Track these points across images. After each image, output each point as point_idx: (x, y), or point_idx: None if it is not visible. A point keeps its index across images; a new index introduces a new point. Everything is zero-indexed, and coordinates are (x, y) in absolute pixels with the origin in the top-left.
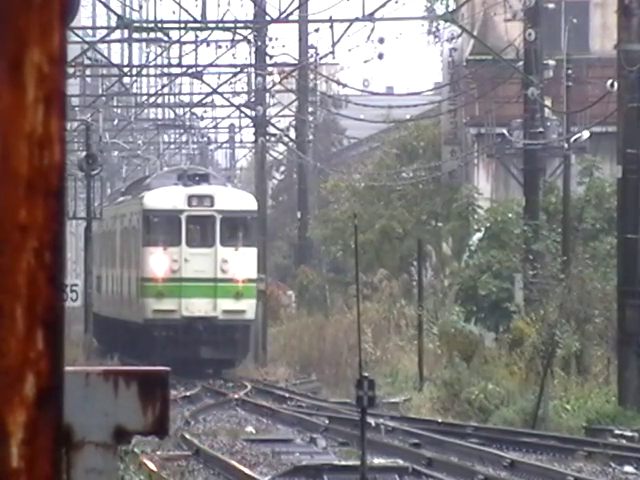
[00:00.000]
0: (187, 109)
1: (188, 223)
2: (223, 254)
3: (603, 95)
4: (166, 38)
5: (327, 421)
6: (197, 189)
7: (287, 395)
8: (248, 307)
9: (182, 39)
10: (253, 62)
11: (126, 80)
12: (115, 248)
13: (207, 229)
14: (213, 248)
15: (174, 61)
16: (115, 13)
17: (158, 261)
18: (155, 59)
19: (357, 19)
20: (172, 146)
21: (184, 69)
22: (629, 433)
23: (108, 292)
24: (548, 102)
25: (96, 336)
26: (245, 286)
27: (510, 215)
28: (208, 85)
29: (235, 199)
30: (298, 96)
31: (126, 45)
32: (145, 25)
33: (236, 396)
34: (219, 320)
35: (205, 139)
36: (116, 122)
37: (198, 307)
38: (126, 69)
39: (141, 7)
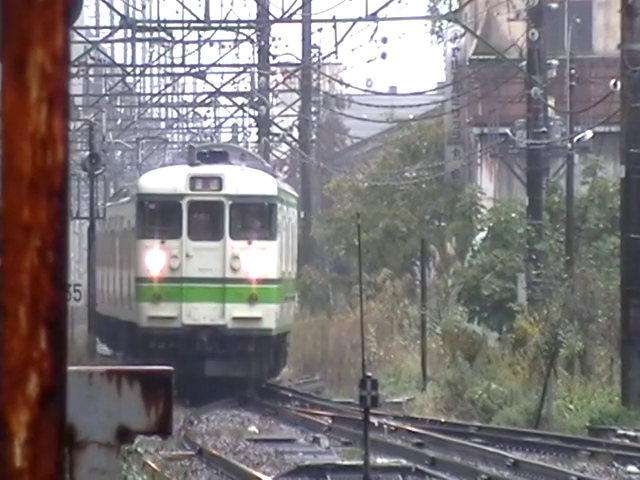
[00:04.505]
0: (190, 109)
1: (191, 210)
2: (233, 249)
3: (606, 95)
4: (169, 38)
5: (330, 421)
6: (203, 169)
7: (290, 395)
8: (265, 314)
9: (185, 39)
10: (256, 62)
11: (129, 80)
12: None
13: (214, 218)
14: (221, 241)
15: (177, 61)
16: (118, 13)
17: (154, 257)
18: (158, 59)
19: (360, 19)
20: (175, 145)
21: (187, 69)
22: (632, 433)
23: None
24: (551, 102)
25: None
26: (261, 288)
27: (513, 215)
28: (211, 85)
29: (249, 181)
30: (301, 96)
31: (129, 45)
32: (148, 25)
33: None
34: (228, 329)
35: (208, 139)
36: (119, 122)
37: (202, 313)
38: (129, 69)
39: (144, 7)
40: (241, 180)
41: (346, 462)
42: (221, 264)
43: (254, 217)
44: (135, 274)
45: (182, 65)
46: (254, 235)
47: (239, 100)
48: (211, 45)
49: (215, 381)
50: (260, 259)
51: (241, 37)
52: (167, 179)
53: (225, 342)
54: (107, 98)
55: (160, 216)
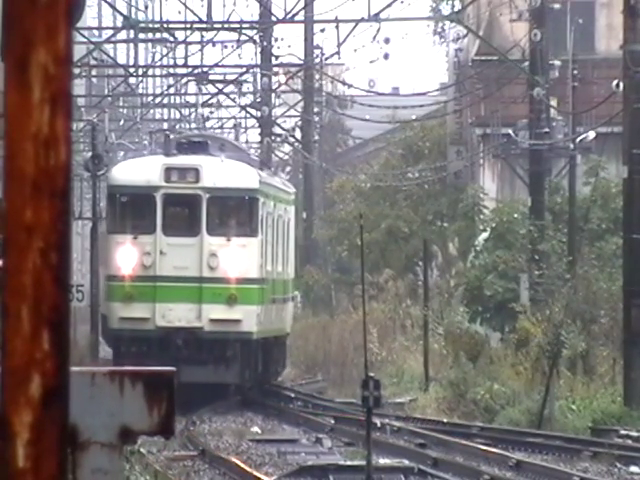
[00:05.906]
0: (193, 109)
1: (165, 204)
2: (211, 245)
3: (609, 95)
4: (172, 38)
5: (333, 421)
6: (179, 159)
7: (293, 395)
8: (245, 316)
9: (188, 39)
10: (259, 62)
11: (132, 80)
12: None
13: (190, 212)
14: (198, 237)
15: (180, 61)
16: (121, 13)
17: (125, 254)
18: (161, 59)
19: (363, 19)
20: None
21: (190, 69)
22: (635, 433)
23: None
24: (554, 102)
25: None
26: (241, 288)
27: (516, 215)
28: (214, 85)
29: (229, 173)
30: (304, 96)
31: (132, 45)
32: (151, 25)
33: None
34: (205, 332)
35: None
36: (122, 122)
37: (177, 315)
38: (132, 69)
39: (147, 7)
40: (220, 172)
41: (349, 462)
42: (198, 262)
43: (233, 212)
44: (105, 272)
45: (185, 66)
46: (233, 231)
47: (241, 101)
48: (214, 46)
49: (191, 388)
50: (240, 257)
51: (244, 38)
52: (140, 170)
53: (202, 346)
54: (110, 99)
55: (132, 210)
